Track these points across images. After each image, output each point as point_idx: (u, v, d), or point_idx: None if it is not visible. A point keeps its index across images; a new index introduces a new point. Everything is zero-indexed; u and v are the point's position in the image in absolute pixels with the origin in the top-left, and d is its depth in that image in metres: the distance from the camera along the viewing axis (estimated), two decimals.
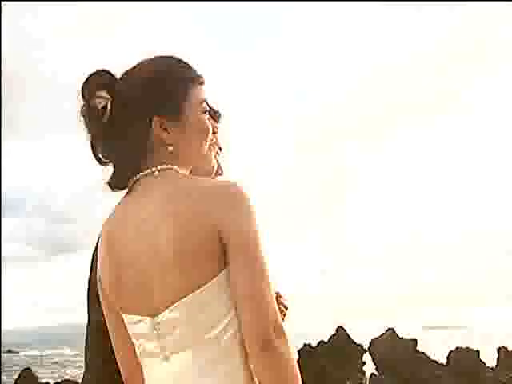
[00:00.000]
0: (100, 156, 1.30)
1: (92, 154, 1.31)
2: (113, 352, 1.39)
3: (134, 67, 1.34)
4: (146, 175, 1.29)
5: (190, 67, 1.36)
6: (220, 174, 1.78)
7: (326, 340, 17.77)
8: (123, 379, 1.38)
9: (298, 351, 17.59)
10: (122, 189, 1.32)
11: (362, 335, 19.27)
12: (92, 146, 1.30)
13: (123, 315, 1.30)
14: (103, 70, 1.31)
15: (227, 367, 1.19)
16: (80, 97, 1.28)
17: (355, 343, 17.38)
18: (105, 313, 1.37)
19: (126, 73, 1.33)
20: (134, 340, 1.30)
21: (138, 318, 1.25)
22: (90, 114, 1.28)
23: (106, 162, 1.31)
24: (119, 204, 1.32)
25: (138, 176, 1.29)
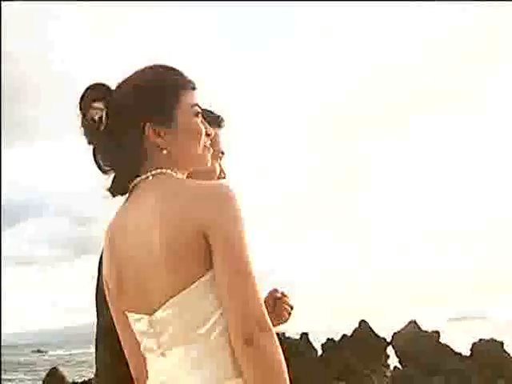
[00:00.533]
0: (100, 164, 1.39)
1: (94, 162, 1.39)
2: (122, 352, 1.46)
3: (127, 78, 1.41)
4: (143, 180, 1.36)
5: (180, 74, 1.42)
6: (223, 178, 1.84)
7: (349, 334, 17.80)
8: (133, 378, 1.45)
9: (322, 345, 17.63)
10: (123, 194, 1.40)
11: (385, 328, 19.20)
12: (93, 155, 1.39)
13: (127, 314, 1.38)
14: (99, 83, 1.40)
15: (216, 361, 1.25)
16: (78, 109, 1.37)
17: (378, 336, 17.37)
18: (112, 313, 1.45)
19: (119, 84, 1.41)
20: (137, 337, 1.38)
21: (138, 316, 1.33)
22: (88, 125, 1.36)
23: (106, 170, 1.39)
24: (120, 208, 1.40)
25: (136, 181, 1.37)
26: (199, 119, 1.42)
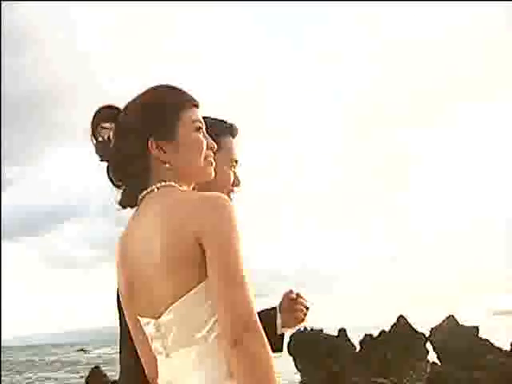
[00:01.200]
0: (113, 179, 1.50)
1: (108, 178, 1.51)
2: None
3: (133, 98, 1.52)
4: (148, 193, 1.46)
5: (183, 93, 1.52)
6: (237, 185, 1.90)
7: (387, 329, 17.69)
8: (148, 378, 1.54)
9: (360, 342, 17.58)
10: (132, 206, 1.50)
11: (424, 323, 18.99)
12: (107, 171, 1.51)
13: (139, 318, 1.47)
14: (108, 105, 1.53)
15: (214, 362, 1.34)
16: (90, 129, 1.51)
17: (417, 332, 17.22)
18: (126, 318, 1.55)
19: (126, 104, 1.52)
20: (149, 340, 1.47)
21: (147, 320, 1.43)
22: (98, 144, 1.50)
23: (118, 184, 1.51)
24: (130, 219, 1.50)
25: (143, 194, 1.47)
26: (200, 134, 1.51)
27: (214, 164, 1.54)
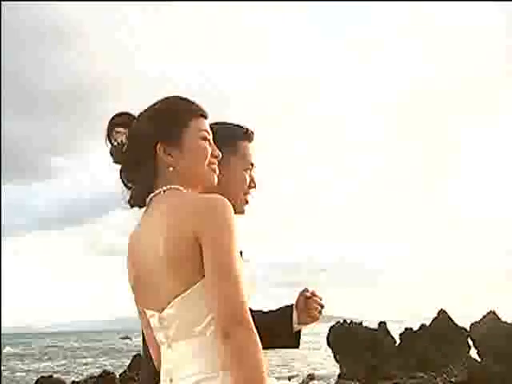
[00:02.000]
0: (124, 180, 1.63)
1: (120, 179, 1.64)
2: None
3: (146, 108, 1.65)
4: (155, 195, 1.58)
5: (192, 103, 1.65)
6: (253, 187, 2.01)
7: (427, 324, 17.57)
8: (155, 367, 1.66)
9: (400, 335, 17.49)
10: (141, 207, 1.62)
11: (466, 317, 18.76)
12: (120, 173, 1.63)
13: (145, 311, 1.60)
14: (123, 112, 1.66)
15: (211, 354, 1.46)
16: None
17: (458, 326, 17.06)
18: (137, 312, 1.68)
19: (140, 113, 1.65)
20: (154, 331, 1.60)
21: (152, 313, 1.55)
22: (112, 148, 1.63)
23: (129, 186, 1.63)
24: (139, 219, 1.63)
25: (150, 196, 1.59)
26: (206, 142, 1.63)
27: (217, 171, 1.66)
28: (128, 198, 1.64)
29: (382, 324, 17.85)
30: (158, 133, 1.59)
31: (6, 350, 51.89)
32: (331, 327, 17.85)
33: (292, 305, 2.06)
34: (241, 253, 1.93)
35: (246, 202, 1.98)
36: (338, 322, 18.11)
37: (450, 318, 17.39)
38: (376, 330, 17.74)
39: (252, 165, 2.01)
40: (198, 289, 1.46)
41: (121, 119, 1.65)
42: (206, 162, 1.63)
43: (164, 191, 1.58)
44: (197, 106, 1.66)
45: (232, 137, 1.97)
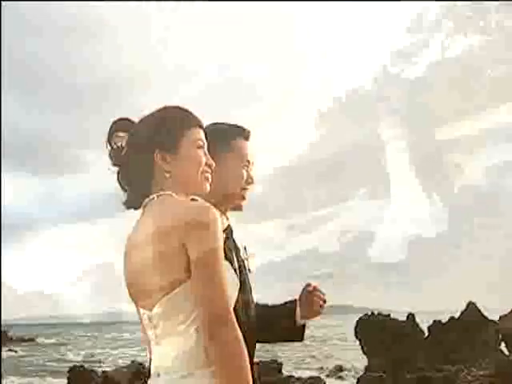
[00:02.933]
0: (121, 183, 1.73)
1: (117, 182, 1.73)
2: None
3: (147, 115, 1.74)
4: (150, 200, 1.67)
5: (190, 113, 1.75)
6: (250, 184, 2.10)
7: (456, 316, 17.40)
8: (151, 361, 1.74)
9: (428, 327, 17.35)
10: (136, 208, 1.72)
11: (495, 311, 18.51)
12: (118, 176, 1.73)
13: (139, 308, 1.70)
14: (124, 118, 1.76)
15: (194, 351, 1.56)
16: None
17: (487, 319, 16.85)
18: (136, 310, 1.75)
19: (140, 119, 1.74)
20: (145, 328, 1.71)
21: (143, 311, 1.67)
22: (111, 151, 1.73)
23: (125, 188, 1.73)
24: (136, 222, 1.72)
25: (145, 201, 1.68)
26: (201, 151, 1.73)
27: (209, 180, 1.75)
28: (124, 199, 1.74)
29: (411, 316, 17.74)
30: (156, 140, 1.69)
31: (40, 339, 53.07)
32: (359, 319, 17.82)
33: (295, 299, 2.16)
34: (245, 248, 2.03)
35: (243, 198, 2.08)
36: (366, 314, 18.05)
37: (479, 311, 17.18)
38: (404, 322, 17.65)
39: (249, 162, 2.10)
40: (183, 289, 1.56)
41: (122, 124, 1.75)
42: (200, 170, 1.72)
43: (158, 196, 1.67)
44: (194, 116, 1.76)
45: (229, 136, 2.07)
